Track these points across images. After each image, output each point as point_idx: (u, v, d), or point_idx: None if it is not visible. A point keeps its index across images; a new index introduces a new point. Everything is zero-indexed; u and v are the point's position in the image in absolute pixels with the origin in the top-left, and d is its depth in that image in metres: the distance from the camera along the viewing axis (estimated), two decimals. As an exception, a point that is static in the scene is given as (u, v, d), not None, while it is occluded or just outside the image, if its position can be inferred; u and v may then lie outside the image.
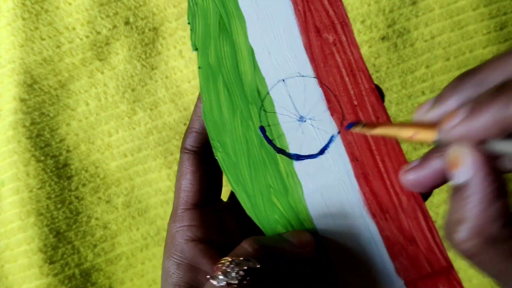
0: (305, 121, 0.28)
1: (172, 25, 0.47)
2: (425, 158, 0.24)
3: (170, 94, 0.47)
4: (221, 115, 0.28)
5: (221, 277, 0.23)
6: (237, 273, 0.23)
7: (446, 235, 0.21)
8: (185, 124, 0.47)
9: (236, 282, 0.22)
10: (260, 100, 0.28)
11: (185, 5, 0.46)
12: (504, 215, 0.20)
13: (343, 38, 0.28)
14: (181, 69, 0.47)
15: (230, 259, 0.23)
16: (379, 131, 0.25)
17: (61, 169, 0.47)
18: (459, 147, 0.20)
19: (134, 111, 0.47)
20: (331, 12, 0.28)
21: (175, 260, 0.27)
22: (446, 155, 0.21)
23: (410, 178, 0.24)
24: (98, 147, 0.47)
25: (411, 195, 0.28)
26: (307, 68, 0.28)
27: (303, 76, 0.28)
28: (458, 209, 0.20)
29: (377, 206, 0.28)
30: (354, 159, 0.28)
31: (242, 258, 0.23)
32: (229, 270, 0.23)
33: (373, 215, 0.28)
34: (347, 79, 0.28)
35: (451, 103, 0.21)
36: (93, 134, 0.47)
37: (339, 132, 0.28)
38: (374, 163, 0.28)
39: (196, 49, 0.28)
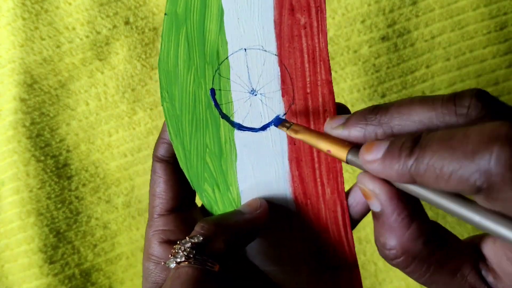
0: (255, 95, 0.28)
1: (172, 25, 0.47)
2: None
3: (170, 94, 0.47)
4: (175, 67, 0.28)
5: (171, 259, 0.24)
6: (184, 251, 0.24)
7: (380, 253, 0.23)
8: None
9: (184, 259, 0.23)
10: (217, 62, 0.28)
11: (185, 5, 0.47)
12: (422, 234, 0.22)
13: (315, 23, 0.27)
14: (181, 69, 0.47)
15: (178, 242, 0.24)
16: (300, 137, 0.25)
17: (61, 169, 0.47)
18: (367, 183, 0.22)
19: (134, 111, 0.47)
20: None
21: (153, 261, 0.28)
22: (358, 184, 0.23)
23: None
24: (98, 147, 0.47)
25: (336, 189, 0.28)
26: (272, 44, 0.28)
27: (265, 50, 0.28)
28: (382, 233, 0.22)
29: (301, 191, 0.29)
30: (292, 142, 0.28)
31: (187, 238, 0.24)
32: (177, 250, 0.24)
33: (296, 198, 0.29)
34: (307, 65, 0.28)
35: (356, 131, 0.23)
36: (93, 134, 0.47)
37: (285, 114, 0.28)
38: (310, 151, 0.28)
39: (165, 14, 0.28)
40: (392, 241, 0.22)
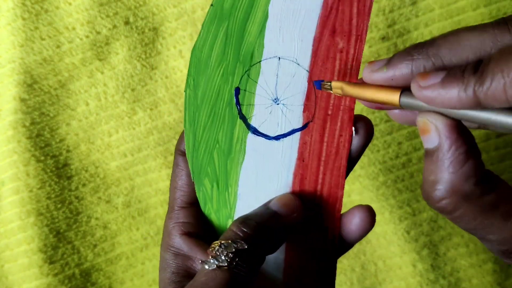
0: (278, 103, 0.29)
1: (172, 25, 0.47)
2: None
3: (170, 94, 0.47)
4: (208, 58, 0.28)
5: (212, 260, 0.24)
6: (226, 255, 0.24)
7: (424, 195, 0.22)
8: (185, 124, 0.47)
9: (226, 264, 0.24)
10: (249, 64, 0.28)
11: (185, 5, 0.46)
12: (475, 174, 0.21)
13: (351, 50, 0.28)
14: (181, 69, 0.47)
15: (219, 243, 0.25)
16: (345, 91, 0.25)
17: (61, 169, 0.47)
18: (427, 114, 0.21)
19: (134, 111, 0.47)
20: (354, 21, 0.27)
21: (172, 252, 0.28)
22: (416, 121, 0.22)
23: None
24: (98, 147, 0.47)
25: (331, 216, 0.29)
26: (306, 59, 0.28)
27: (298, 64, 0.28)
28: (432, 171, 0.21)
29: None
30: (301, 158, 0.29)
31: (230, 241, 0.24)
32: (218, 253, 0.24)
33: None
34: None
35: (403, 68, 0.22)
36: (93, 134, 0.47)
37: (301, 130, 0.28)
38: (316, 172, 0.29)
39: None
40: (444, 179, 0.21)
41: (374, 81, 0.23)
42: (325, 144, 0.28)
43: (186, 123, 0.29)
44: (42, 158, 0.46)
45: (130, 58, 0.47)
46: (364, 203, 0.47)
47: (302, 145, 0.28)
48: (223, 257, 0.24)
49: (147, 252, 0.48)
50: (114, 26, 0.46)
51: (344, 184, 0.29)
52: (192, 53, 0.29)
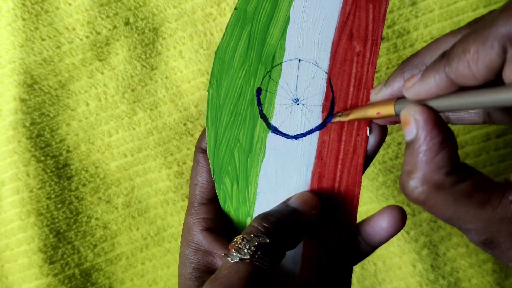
0: (298, 104, 0.30)
1: (172, 25, 0.47)
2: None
3: (170, 94, 0.47)
4: (231, 59, 0.30)
5: (234, 253, 0.25)
6: (248, 249, 0.25)
7: (400, 186, 0.23)
8: (185, 124, 0.47)
9: (248, 257, 0.24)
10: (271, 65, 0.30)
11: (185, 6, 0.46)
12: (447, 164, 0.22)
13: (368, 54, 0.29)
14: (181, 69, 0.47)
15: (242, 237, 0.25)
16: (352, 116, 0.27)
17: (61, 169, 0.47)
18: (408, 107, 0.23)
19: (134, 111, 0.47)
20: (370, 27, 0.29)
21: (193, 247, 0.29)
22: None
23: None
24: (98, 147, 0.47)
25: (348, 213, 0.30)
26: (325, 62, 0.29)
27: (317, 66, 0.30)
28: (409, 161, 0.22)
29: None
30: (319, 157, 0.30)
31: (252, 235, 0.25)
32: (241, 247, 0.25)
33: None
34: (351, 89, 0.29)
35: (398, 82, 0.25)
36: (93, 134, 0.47)
37: (320, 129, 0.30)
38: (334, 170, 0.30)
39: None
40: (417, 169, 0.22)
41: (379, 98, 0.26)
42: (343, 143, 0.29)
43: (208, 122, 0.30)
44: (42, 158, 0.46)
45: (130, 59, 0.47)
46: (364, 203, 0.48)
47: (321, 144, 0.30)
48: (245, 250, 0.25)
49: (147, 252, 0.48)
50: (114, 27, 0.46)
51: (361, 182, 0.30)
52: (216, 55, 0.30)
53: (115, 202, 0.48)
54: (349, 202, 0.29)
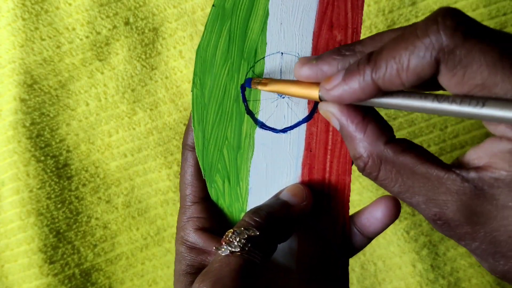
0: (283, 97, 0.30)
1: (172, 25, 0.47)
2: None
3: (170, 94, 0.47)
4: (213, 57, 0.29)
5: (225, 247, 0.25)
6: (239, 241, 0.25)
7: (357, 168, 0.24)
8: (184, 124, 0.47)
9: (239, 249, 0.25)
10: (254, 61, 0.29)
11: (185, 6, 0.46)
12: (381, 134, 0.23)
13: (349, 42, 0.29)
14: (181, 69, 0.47)
15: (232, 231, 0.26)
16: (272, 88, 0.27)
17: (61, 169, 0.47)
18: (322, 105, 0.24)
19: (134, 111, 0.47)
20: (349, 15, 0.29)
21: (187, 245, 0.29)
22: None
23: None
24: (98, 147, 0.47)
25: (340, 202, 0.30)
26: (307, 53, 0.29)
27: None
28: (349, 147, 0.23)
29: None
30: (308, 149, 0.30)
31: (242, 228, 0.25)
32: (231, 240, 0.25)
33: None
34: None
35: (329, 62, 0.24)
36: (93, 134, 0.47)
37: (307, 120, 0.29)
38: (323, 161, 0.29)
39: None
40: (358, 149, 0.23)
41: (303, 74, 0.25)
42: (330, 133, 0.29)
43: (194, 122, 0.30)
44: (42, 158, 0.46)
45: (130, 59, 0.47)
46: (364, 203, 0.48)
47: (309, 135, 0.29)
48: (235, 243, 0.25)
49: (147, 252, 0.48)
50: (114, 27, 0.46)
51: (351, 170, 0.29)
52: (196, 53, 0.29)
53: (115, 202, 0.48)
54: (340, 191, 0.29)
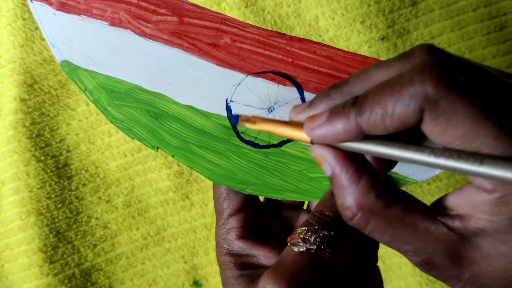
0: (274, 109, 0.29)
1: (172, 25, 0.47)
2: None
3: (170, 94, 0.47)
4: (221, 168, 0.30)
5: (301, 243, 0.26)
6: (315, 239, 0.26)
7: (344, 218, 0.24)
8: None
9: (315, 247, 0.25)
10: (232, 130, 0.30)
11: (185, 5, 0.47)
12: (373, 187, 0.22)
13: (235, 30, 0.29)
14: (181, 69, 0.47)
15: (306, 228, 0.26)
16: (261, 127, 0.26)
17: (61, 169, 0.47)
18: (316, 149, 0.24)
19: (134, 111, 0.47)
20: (207, 24, 0.29)
21: (233, 254, 0.31)
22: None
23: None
24: (98, 147, 0.47)
25: None
26: (236, 75, 0.29)
27: (239, 84, 0.29)
28: (338, 195, 0.23)
29: None
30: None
31: (317, 227, 0.26)
32: (307, 237, 0.26)
33: None
34: (267, 52, 0.29)
35: (321, 108, 0.24)
36: (93, 134, 0.47)
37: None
38: None
39: (157, 148, 0.29)
40: (348, 200, 0.23)
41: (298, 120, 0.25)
42: None
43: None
44: (42, 158, 0.46)
45: (130, 58, 0.47)
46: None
47: None
48: (311, 241, 0.26)
49: (147, 252, 0.48)
50: (114, 26, 0.46)
51: None
52: (214, 180, 0.30)
53: (115, 202, 0.48)
54: None
